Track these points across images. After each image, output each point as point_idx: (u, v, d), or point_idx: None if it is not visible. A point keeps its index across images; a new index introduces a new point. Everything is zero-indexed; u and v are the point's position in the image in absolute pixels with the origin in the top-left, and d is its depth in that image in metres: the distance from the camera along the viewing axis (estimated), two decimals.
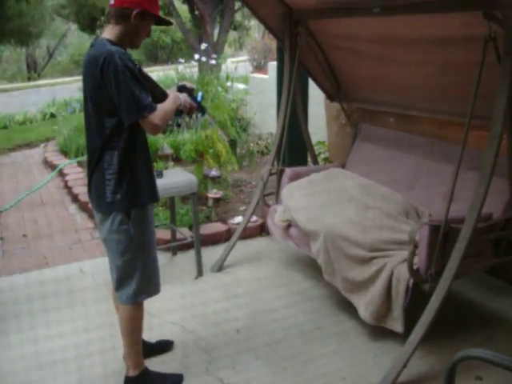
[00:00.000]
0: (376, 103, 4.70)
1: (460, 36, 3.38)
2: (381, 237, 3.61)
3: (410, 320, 3.20)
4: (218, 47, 15.81)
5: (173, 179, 4.28)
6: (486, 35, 2.96)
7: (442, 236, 3.15)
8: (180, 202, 5.59)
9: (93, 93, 2.77)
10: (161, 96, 3.01)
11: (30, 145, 9.81)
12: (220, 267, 4.59)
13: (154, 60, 24.64)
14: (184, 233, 4.76)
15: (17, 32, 21.83)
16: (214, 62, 9.90)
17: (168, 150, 6.26)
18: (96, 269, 4.61)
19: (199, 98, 3.21)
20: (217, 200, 5.74)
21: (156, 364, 3.28)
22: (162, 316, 3.87)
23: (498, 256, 3.64)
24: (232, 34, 21.53)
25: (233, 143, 7.14)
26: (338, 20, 4.21)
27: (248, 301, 4.09)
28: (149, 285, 2.99)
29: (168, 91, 3.14)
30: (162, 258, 4.74)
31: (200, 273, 4.47)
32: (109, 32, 2.83)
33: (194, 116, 6.64)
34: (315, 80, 4.97)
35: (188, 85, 3.20)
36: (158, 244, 4.67)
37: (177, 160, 6.80)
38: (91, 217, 5.77)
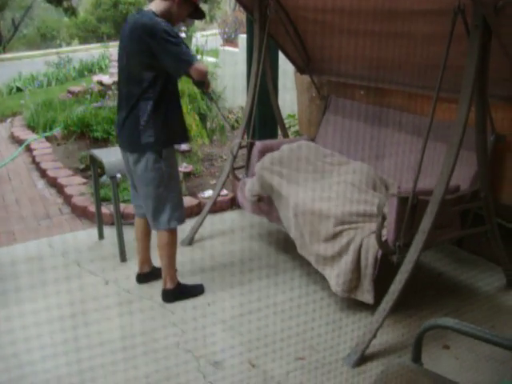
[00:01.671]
0: (346, 76, 4.69)
1: (430, 9, 3.37)
2: (350, 209, 3.63)
3: (381, 291, 3.23)
4: (188, 21, 15.63)
5: None
6: (455, 8, 2.96)
7: (410, 208, 3.18)
8: None
9: (136, 52, 3.26)
10: None
11: None
12: (190, 241, 4.58)
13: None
14: None
15: None
16: (183, 35, 9.75)
17: None
18: (65, 244, 4.57)
19: None
20: (187, 174, 5.71)
21: None
22: (131, 288, 3.88)
23: (466, 228, 3.70)
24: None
25: (203, 117, 7.08)
26: None
27: (219, 274, 4.09)
28: (178, 212, 3.59)
29: None
30: (130, 232, 4.67)
31: None
32: (154, 5, 3.33)
33: None
34: (285, 53, 4.93)
35: None
36: (127, 219, 4.70)
37: None
38: (60, 192, 5.71)
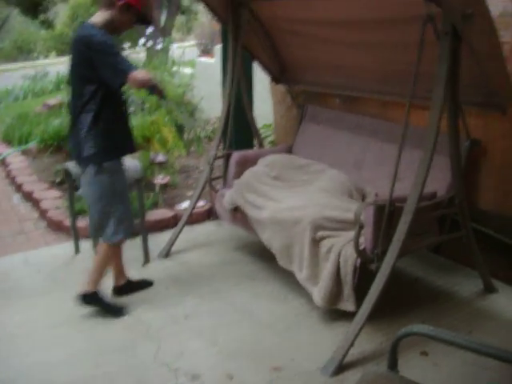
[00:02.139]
0: (321, 85, 4.70)
1: (401, 16, 3.39)
2: (326, 214, 3.61)
3: (361, 299, 3.21)
4: (166, 32, 15.62)
5: None
6: (425, 15, 2.98)
7: (386, 215, 3.18)
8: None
9: (78, 66, 3.29)
10: None
11: None
12: (167, 253, 4.53)
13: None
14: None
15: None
16: (159, 46, 9.77)
17: None
18: (41, 259, 4.51)
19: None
20: (164, 186, 5.67)
21: None
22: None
23: (443, 234, 3.71)
24: (180, 19, 21.24)
25: (180, 128, 7.06)
26: (281, 2, 4.17)
27: (196, 286, 4.05)
28: (123, 226, 3.54)
29: None
30: None
31: (147, 259, 4.42)
32: (96, 17, 3.33)
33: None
34: (260, 62, 4.93)
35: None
36: None
37: None
38: (35, 206, 5.64)
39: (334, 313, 3.54)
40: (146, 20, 3.59)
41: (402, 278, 4.07)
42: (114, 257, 3.71)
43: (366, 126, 4.40)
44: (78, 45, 3.26)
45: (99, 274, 3.63)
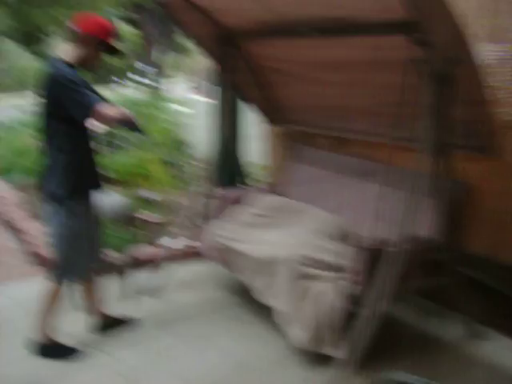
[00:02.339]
0: (309, 125, 4.72)
1: (389, 59, 3.41)
2: (306, 254, 3.57)
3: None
4: (161, 70, 15.74)
5: (104, 203, 4.13)
6: (413, 59, 3.00)
7: (376, 259, 3.13)
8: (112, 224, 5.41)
9: (45, 101, 3.24)
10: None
11: None
12: (149, 291, 4.44)
13: (98, 81, 24.23)
14: (112, 256, 4.61)
15: (27, 36, 20.82)
16: (155, 84, 9.83)
17: (111, 173, 6.10)
18: (23, 293, 4.42)
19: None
20: (151, 223, 5.59)
21: None
22: (89, 340, 3.74)
23: (432, 278, 3.65)
24: (172, 56, 21.41)
25: (171, 166, 7.04)
26: (273, 42, 4.20)
27: (177, 327, 3.96)
28: (72, 270, 3.45)
29: None
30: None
31: (127, 296, 4.32)
32: (68, 52, 3.29)
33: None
34: (250, 102, 4.93)
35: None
36: None
37: (113, 182, 6.63)
38: (20, 239, 5.56)
39: (318, 357, 3.44)
40: (113, 50, 3.46)
41: (389, 323, 3.99)
42: (57, 299, 3.50)
43: (353, 167, 4.39)
44: (46, 81, 3.23)
45: (47, 321, 3.49)
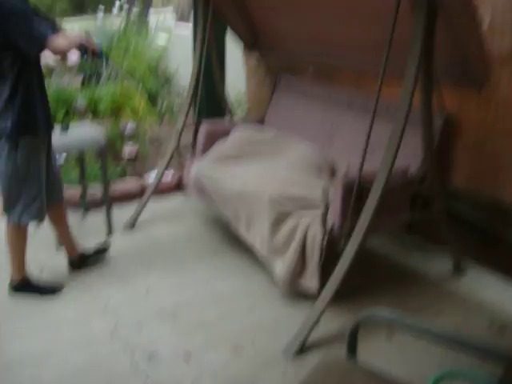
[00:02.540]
0: (295, 54, 4.55)
1: None
2: (287, 192, 3.49)
3: (327, 281, 3.09)
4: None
5: (78, 134, 4.04)
6: None
7: (355, 192, 3.06)
8: (94, 158, 5.32)
9: None
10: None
11: None
12: (132, 225, 4.40)
13: (81, 10, 23.55)
14: (96, 190, 4.53)
15: None
16: (142, 13, 9.50)
17: (82, 104, 5.96)
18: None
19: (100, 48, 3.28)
20: (133, 156, 5.51)
21: None
22: (68, 276, 3.72)
23: (414, 212, 3.60)
24: None
25: (153, 97, 6.88)
26: None
27: (158, 259, 3.94)
28: (31, 208, 3.27)
29: None
30: (73, 216, 4.51)
31: (110, 231, 4.28)
32: None
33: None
34: (232, 28, 4.75)
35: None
36: (68, 201, 4.49)
37: (95, 115, 6.50)
38: None
39: (298, 293, 3.43)
40: None
41: (371, 257, 3.97)
42: (24, 238, 3.41)
43: (341, 98, 4.27)
44: None
45: (17, 259, 3.42)
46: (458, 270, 3.78)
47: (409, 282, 3.69)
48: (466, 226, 3.82)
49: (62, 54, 3.11)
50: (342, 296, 3.07)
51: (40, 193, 3.29)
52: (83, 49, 3.13)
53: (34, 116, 3.13)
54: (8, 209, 3.29)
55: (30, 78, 3.07)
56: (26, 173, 3.19)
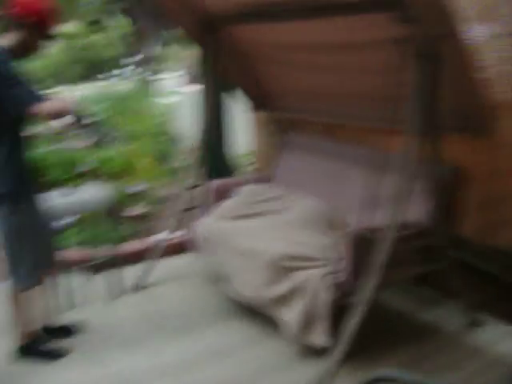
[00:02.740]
0: (301, 111, 4.58)
1: (379, 38, 3.27)
2: (291, 253, 3.44)
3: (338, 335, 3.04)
4: (159, 61, 15.62)
5: (85, 196, 4.05)
6: (400, 37, 2.87)
7: (364, 246, 3.01)
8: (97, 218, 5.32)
9: None
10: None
11: None
12: (140, 286, 4.35)
13: (95, 74, 24.18)
14: (104, 251, 4.50)
15: None
16: (148, 76, 9.70)
17: (89, 166, 6.01)
18: None
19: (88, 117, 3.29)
20: (142, 216, 5.50)
21: None
22: (75, 339, 3.66)
23: (426, 264, 3.53)
24: (174, 48, 21.28)
25: (162, 157, 6.93)
26: (257, 26, 4.05)
27: (166, 322, 3.86)
28: (34, 274, 3.29)
29: None
30: (81, 278, 4.48)
31: (118, 293, 4.23)
32: (6, 39, 3.07)
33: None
34: (240, 89, 4.80)
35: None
36: (77, 264, 4.47)
37: (104, 176, 6.55)
38: None
39: (309, 351, 3.33)
40: (51, 34, 3.23)
41: (385, 312, 3.88)
42: (28, 302, 3.37)
43: (347, 153, 4.25)
44: None
45: (22, 324, 3.38)
46: (474, 322, 3.66)
47: (423, 337, 3.58)
48: (482, 278, 3.73)
49: (47, 117, 3.09)
50: (354, 353, 2.99)
51: (38, 257, 3.30)
52: (68, 115, 3.14)
53: (24, 182, 3.18)
54: (12, 274, 3.27)
55: (21, 143, 3.14)
56: (26, 236, 3.20)
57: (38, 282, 3.35)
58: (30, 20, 3.02)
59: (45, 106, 2.99)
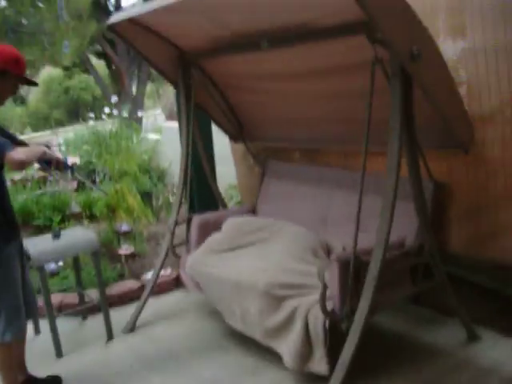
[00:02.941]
0: (279, 140, 4.59)
1: (352, 62, 3.31)
2: (283, 282, 3.41)
3: (336, 361, 2.99)
4: (138, 100, 15.69)
5: (71, 239, 4.00)
6: (373, 59, 2.88)
7: (352, 271, 2.98)
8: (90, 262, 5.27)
9: None
10: (21, 143, 3.22)
11: None
12: (132, 328, 4.27)
13: (76, 118, 24.25)
14: (93, 294, 4.44)
15: None
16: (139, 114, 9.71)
17: (76, 209, 5.98)
18: None
19: (67, 160, 3.35)
20: (131, 256, 5.45)
21: None
22: None
23: (417, 283, 3.51)
24: (150, 86, 21.38)
25: (147, 195, 6.90)
26: (231, 59, 4.07)
27: (162, 361, 3.80)
28: (12, 326, 3.12)
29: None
30: (71, 323, 4.46)
31: (110, 336, 4.15)
32: None
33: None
34: (215, 121, 4.82)
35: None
36: (66, 309, 4.41)
37: (91, 217, 6.51)
38: None
39: (308, 378, 3.29)
40: (29, 81, 3.29)
41: (379, 334, 3.85)
42: (10, 355, 3.24)
43: (329, 178, 4.26)
44: None
45: (7, 377, 3.24)
46: (472, 337, 3.63)
47: (422, 358, 3.54)
48: (479, 292, 3.72)
49: (21, 167, 3.05)
50: (354, 378, 2.95)
51: (19, 306, 3.19)
52: (44, 161, 3.15)
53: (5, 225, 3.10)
54: None
55: None
56: (2, 288, 3.10)
57: (19, 333, 3.22)
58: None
59: (18, 155, 2.93)
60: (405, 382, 3.24)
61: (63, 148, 7.94)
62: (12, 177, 9.53)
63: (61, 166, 3.23)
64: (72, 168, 3.34)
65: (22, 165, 3.00)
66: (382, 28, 2.60)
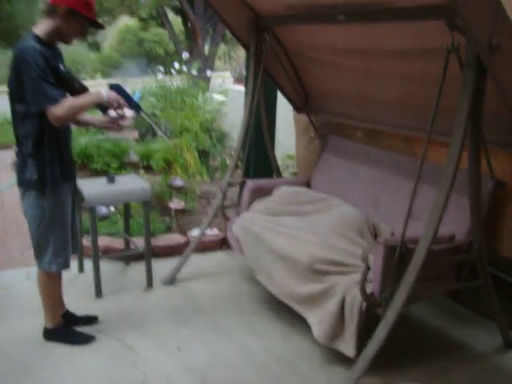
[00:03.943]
0: (344, 116, 4.52)
1: (427, 46, 3.22)
2: (326, 258, 3.40)
3: (365, 345, 2.98)
4: (208, 60, 15.77)
5: (124, 186, 4.09)
6: (448, 46, 2.79)
7: (397, 257, 2.95)
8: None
9: (10, 82, 3.03)
10: (80, 88, 3.27)
11: (2, 146, 9.54)
12: (172, 280, 4.36)
13: (146, 70, 24.52)
14: (139, 242, 4.54)
15: (6, 34, 21.28)
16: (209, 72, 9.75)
17: (134, 158, 6.08)
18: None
19: (135, 98, 3.35)
20: (181, 211, 5.53)
21: None
22: (103, 326, 3.69)
23: (460, 281, 3.45)
24: (222, 48, 21.44)
25: (205, 154, 6.96)
26: (305, 28, 4.04)
27: (195, 317, 3.87)
28: (60, 258, 3.31)
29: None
30: (114, 267, 4.59)
31: (149, 285, 4.26)
32: (39, 26, 3.05)
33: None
34: (282, 90, 4.78)
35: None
36: (110, 253, 4.52)
37: (147, 169, 6.63)
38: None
39: (334, 356, 3.30)
40: (96, 24, 3.25)
41: (414, 325, 3.81)
42: (56, 283, 3.46)
43: (388, 161, 4.18)
44: (13, 58, 2.99)
45: (50, 306, 3.45)
46: (508, 344, 3.56)
47: (453, 354, 3.50)
48: None
49: (59, 123, 3.04)
50: (381, 365, 2.95)
51: (66, 241, 3.34)
52: (104, 106, 3.22)
53: (53, 170, 3.15)
54: (39, 256, 3.31)
55: (51, 131, 3.08)
56: (54, 221, 3.23)
57: (64, 266, 3.37)
58: (62, 7, 2.99)
59: (54, 109, 2.96)
60: (430, 378, 3.20)
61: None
62: None
63: (121, 106, 3.26)
64: (139, 106, 3.36)
65: (59, 121, 3.01)
66: (463, 14, 2.51)
